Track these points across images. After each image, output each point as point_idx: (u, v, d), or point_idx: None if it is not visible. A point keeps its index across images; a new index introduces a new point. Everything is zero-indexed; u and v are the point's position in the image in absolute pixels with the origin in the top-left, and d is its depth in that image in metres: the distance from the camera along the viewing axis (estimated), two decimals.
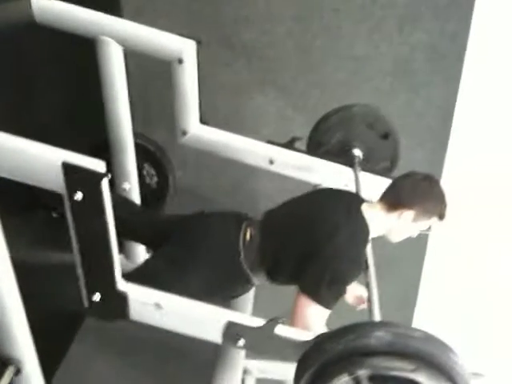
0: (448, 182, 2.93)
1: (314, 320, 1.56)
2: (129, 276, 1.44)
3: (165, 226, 1.90)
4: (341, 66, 2.71)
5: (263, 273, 1.78)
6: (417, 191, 1.72)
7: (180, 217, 1.94)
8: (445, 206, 1.74)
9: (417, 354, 1.13)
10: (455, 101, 2.77)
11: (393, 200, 1.73)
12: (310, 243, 1.67)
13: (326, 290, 1.59)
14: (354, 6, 2.57)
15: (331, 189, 1.99)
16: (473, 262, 3.20)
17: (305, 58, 2.71)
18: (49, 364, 1.68)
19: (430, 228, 1.80)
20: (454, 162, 2.95)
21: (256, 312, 2.02)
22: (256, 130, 2.87)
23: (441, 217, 1.75)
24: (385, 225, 1.76)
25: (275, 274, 1.79)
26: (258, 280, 1.80)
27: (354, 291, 2.01)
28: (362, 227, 1.70)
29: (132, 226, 1.91)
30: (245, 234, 1.78)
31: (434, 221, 1.76)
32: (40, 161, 1.19)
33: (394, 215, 1.72)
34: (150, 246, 1.99)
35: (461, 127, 2.84)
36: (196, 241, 1.76)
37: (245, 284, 1.80)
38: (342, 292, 1.63)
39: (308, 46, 2.67)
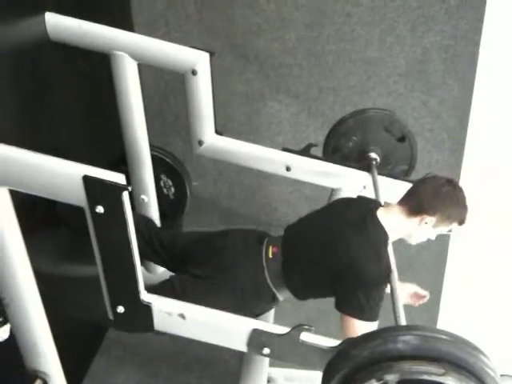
0: (467, 183, 2.91)
1: None
2: (152, 293, 1.45)
3: (187, 246, 1.89)
4: (354, 69, 2.71)
5: (287, 289, 1.78)
6: (439, 197, 1.69)
7: (201, 235, 1.94)
8: (466, 212, 1.72)
9: (445, 357, 1.11)
10: (470, 100, 2.75)
11: (414, 205, 1.71)
12: (330, 262, 1.68)
13: (366, 306, 1.60)
14: (365, 9, 2.57)
15: (346, 200, 1.96)
16: (495, 261, 3.16)
17: (318, 64, 2.71)
18: (74, 376, 1.69)
19: (450, 229, 1.79)
20: (472, 162, 2.92)
21: (277, 321, 2.02)
22: (271, 137, 2.89)
23: (461, 222, 1.73)
24: (404, 229, 1.74)
25: (300, 291, 1.79)
26: (283, 296, 1.80)
27: (407, 290, 1.98)
28: (378, 236, 1.68)
29: (152, 246, 1.91)
30: (267, 252, 1.78)
31: (454, 226, 1.74)
32: (61, 176, 1.20)
33: (415, 220, 1.70)
34: (170, 267, 1.97)
35: (477, 127, 2.82)
36: (220, 260, 1.77)
37: (270, 301, 1.81)
38: (381, 300, 1.62)
39: (320, 51, 2.67)
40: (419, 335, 1.13)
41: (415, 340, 1.13)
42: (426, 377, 1.12)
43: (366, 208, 1.77)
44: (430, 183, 1.75)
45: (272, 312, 2.02)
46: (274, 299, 1.79)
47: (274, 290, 1.76)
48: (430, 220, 1.69)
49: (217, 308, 1.53)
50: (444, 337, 1.13)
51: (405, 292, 1.98)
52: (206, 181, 3.04)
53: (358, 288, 1.60)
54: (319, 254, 1.72)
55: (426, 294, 1.99)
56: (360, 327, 1.58)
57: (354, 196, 2.02)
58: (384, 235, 1.69)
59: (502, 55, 2.66)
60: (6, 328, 1.51)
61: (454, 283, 3.17)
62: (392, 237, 1.73)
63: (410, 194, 1.78)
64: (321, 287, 1.74)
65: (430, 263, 3.19)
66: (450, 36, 2.61)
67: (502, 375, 1.18)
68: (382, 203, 1.91)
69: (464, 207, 1.72)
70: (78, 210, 1.23)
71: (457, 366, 1.12)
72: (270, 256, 1.77)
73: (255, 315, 1.85)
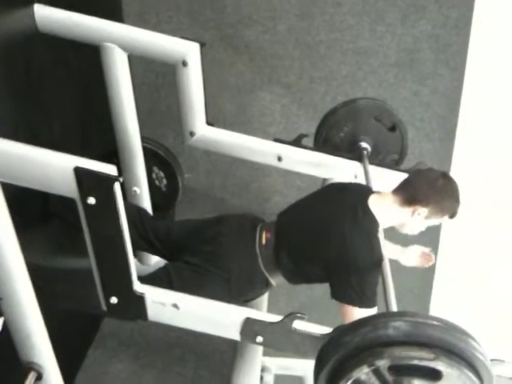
0: (457, 172, 2.92)
1: None
2: (147, 281, 1.46)
3: (181, 234, 1.90)
4: (345, 59, 2.71)
5: (281, 275, 1.80)
6: (434, 189, 1.71)
7: (195, 223, 1.94)
8: (458, 205, 1.74)
9: (436, 343, 1.13)
10: (461, 89, 2.76)
11: (408, 195, 1.72)
12: (322, 250, 1.70)
13: (362, 294, 1.62)
14: None
15: (338, 186, 1.98)
16: (486, 249, 3.18)
17: (308, 54, 2.71)
18: (68, 368, 1.69)
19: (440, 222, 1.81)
20: (462, 151, 2.93)
21: (270, 309, 2.03)
22: (262, 129, 2.88)
23: (453, 216, 1.75)
24: (396, 218, 1.76)
25: (292, 276, 1.81)
26: (276, 281, 1.82)
27: (413, 253, 2.07)
28: (369, 225, 1.70)
29: (146, 236, 1.92)
30: (260, 238, 1.80)
31: (445, 219, 1.76)
32: (52, 167, 1.20)
33: (408, 211, 1.72)
34: (164, 256, 1.98)
35: (468, 116, 2.83)
36: (214, 248, 1.78)
37: (264, 286, 1.82)
38: (375, 286, 1.64)
39: (311, 41, 2.67)
40: (409, 321, 1.15)
41: (406, 326, 1.14)
42: (416, 362, 1.14)
43: (357, 196, 1.78)
44: (425, 175, 1.78)
45: (265, 300, 2.03)
46: (268, 284, 1.81)
47: (267, 275, 1.78)
48: (423, 211, 1.70)
49: (212, 294, 1.54)
50: (434, 322, 1.14)
51: (411, 255, 2.09)
52: (198, 172, 3.04)
53: (352, 276, 1.62)
54: (312, 242, 1.73)
55: (430, 250, 2.08)
56: (358, 315, 1.59)
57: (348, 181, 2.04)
58: (375, 224, 1.70)
59: (492, 43, 2.66)
60: (0, 321, 1.52)
61: (445, 272, 3.19)
62: (383, 224, 1.74)
63: (404, 184, 1.79)
64: (313, 274, 1.76)
65: None
66: (441, 25, 2.61)
67: (492, 360, 1.20)
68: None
69: (457, 200, 1.74)
70: (71, 202, 1.23)
71: (447, 351, 1.13)
72: (264, 242, 1.79)
73: (249, 300, 1.88)
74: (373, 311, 1.63)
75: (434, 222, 1.76)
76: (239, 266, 1.76)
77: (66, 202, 1.23)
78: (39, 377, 1.42)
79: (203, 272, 1.73)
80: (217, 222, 1.89)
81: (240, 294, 1.78)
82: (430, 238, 3.10)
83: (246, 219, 1.89)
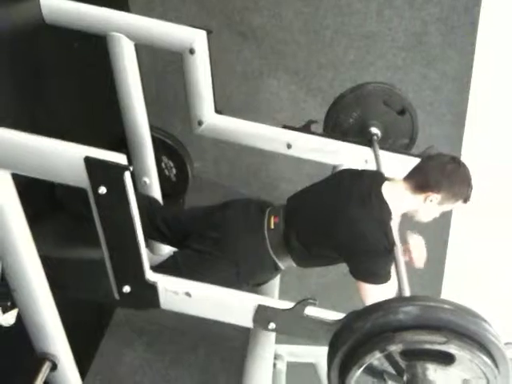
0: (468, 156, 2.90)
1: (387, 296, 1.57)
2: (157, 270, 1.46)
3: (189, 222, 1.91)
4: (352, 44, 2.69)
5: (290, 258, 1.80)
6: (445, 175, 1.69)
7: (201, 210, 1.95)
8: (471, 190, 1.73)
9: (447, 326, 1.12)
10: (471, 73, 2.72)
11: (420, 182, 1.71)
12: (334, 235, 1.70)
13: (374, 274, 1.65)
14: None
15: (351, 172, 1.95)
16: (497, 236, 3.17)
17: (315, 39, 2.68)
18: (83, 357, 1.71)
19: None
20: (473, 135, 2.90)
21: (282, 296, 2.04)
22: (270, 115, 2.87)
23: (466, 200, 1.74)
24: (409, 205, 1.75)
25: (301, 260, 1.82)
26: (285, 265, 1.82)
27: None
28: (382, 212, 1.69)
29: (156, 225, 1.93)
30: (269, 222, 1.80)
31: (459, 204, 1.74)
32: (62, 158, 1.21)
33: (421, 197, 1.71)
34: (174, 244, 1.99)
35: (478, 98, 2.80)
36: (222, 234, 1.78)
37: (273, 270, 1.83)
38: (390, 263, 1.64)
39: (318, 26, 2.65)
40: (420, 305, 1.14)
41: (416, 310, 1.13)
42: (428, 346, 1.13)
43: (371, 184, 1.77)
44: (435, 160, 1.76)
45: (277, 288, 2.04)
46: (277, 268, 1.82)
47: (276, 259, 1.79)
48: (436, 197, 1.69)
49: (220, 279, 1.55)
50: (445, 306, 1.14)
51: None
52: (207, 161, 3.04)
53: (363, 260, 1.64)
54: (321, 227, 1.73)
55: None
56: (381, 290, 1.63)
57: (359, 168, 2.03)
58: (388, 212, 1.70)
59: (502, 25, 2.63)
60: (14, 313, 1.53)
61: (456, 256, 3.19)
62: (396, 212, 1.73)
63: (415, 170, 1.78)
64: (323, 257, 1.77)
65: (432, 238, 3.20)
66: (450, 7, 2.57)
67: (506, 343, 1.19)
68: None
69: (469, 185, 1.72)
70: (78, 194, 1.23)
71: (459, 333, 1.12)
72: (272, 227, 1.79)
73: (258, 284, 1.89)
74: (389, 285, 1.65)
75: (447, 207, 1.75)
76: (246, 250, 1.76)
77: (72, 191, 1.23)
78: (54, 367, 1.44)
79: (211, 257, 1.74)
80: (224, 207, 1.89)
81: (249, 278, 1.79)
82: (441, 225, 3.10)
83: (253, 204, 1.89)
